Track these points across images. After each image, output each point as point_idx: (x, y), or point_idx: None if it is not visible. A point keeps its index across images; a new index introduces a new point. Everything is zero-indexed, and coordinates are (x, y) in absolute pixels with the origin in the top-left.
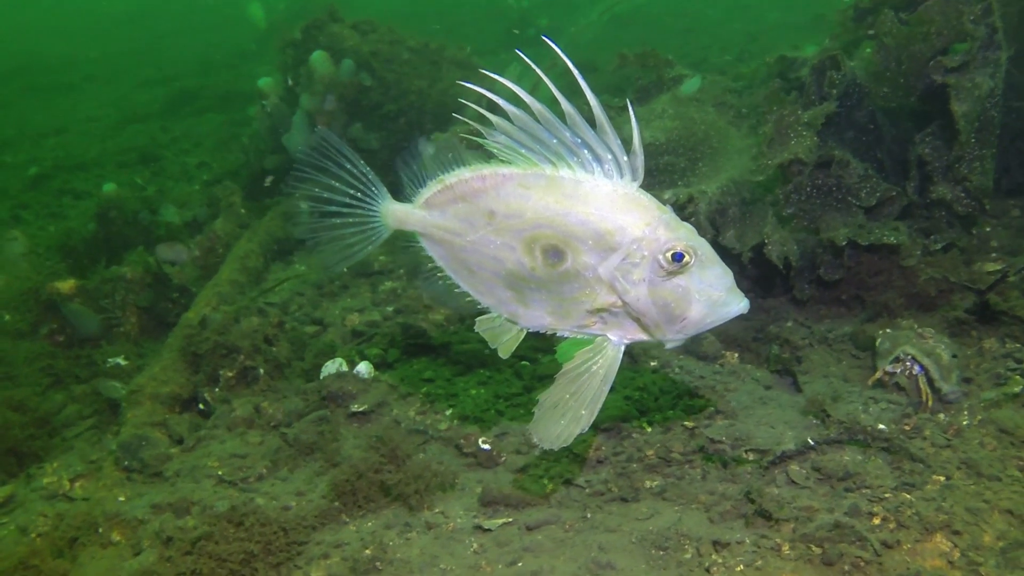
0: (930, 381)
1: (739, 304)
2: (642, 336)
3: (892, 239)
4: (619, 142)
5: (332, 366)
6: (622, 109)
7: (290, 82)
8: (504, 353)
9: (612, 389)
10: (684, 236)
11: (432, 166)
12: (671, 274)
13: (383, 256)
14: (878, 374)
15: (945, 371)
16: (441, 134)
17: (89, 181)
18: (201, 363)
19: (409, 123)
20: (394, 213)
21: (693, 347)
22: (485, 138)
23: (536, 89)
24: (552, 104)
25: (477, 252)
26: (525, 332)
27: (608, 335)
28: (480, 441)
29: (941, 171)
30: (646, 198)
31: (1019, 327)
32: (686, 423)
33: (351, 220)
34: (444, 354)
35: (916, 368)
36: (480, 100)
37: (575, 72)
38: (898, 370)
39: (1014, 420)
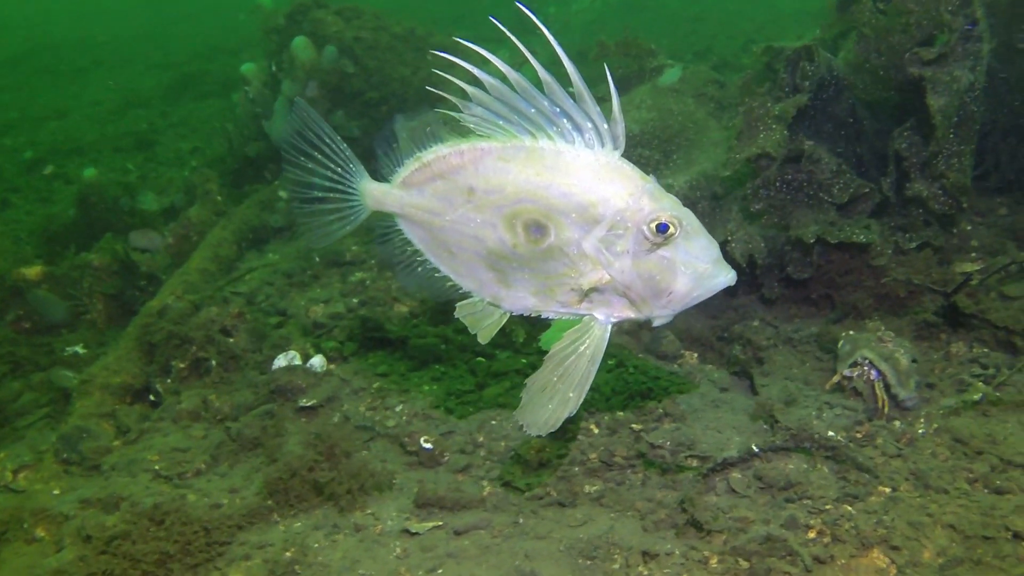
0: (887, 387)
1: (726, 276)
2: (629, 314)
3: (861, 237)
4: (599, 110)
5: (284, 359)
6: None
7: (273, 68)
8: (484, 338)
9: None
10: (668, 206)
11: (409, 144)
12: (656, 245)
13: (355, 246)
14: (836, 378)
15: (903, 377)
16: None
17: (83, 166)
18: (155, 353)
19: (391, 111)
20: (372, 193)
21: (653, 345)
22: (462, 112)
23: (522, 67)
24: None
25: (457, 232)
26: (507, 316)
27: (595, 314)
28: (422, 440)
29: (918, 167)
30: (629, 167)
31: (989, 331)
32: (634, 425)
33: (329, 198)
34: (401, 348)
35: (873, 373)
36: (457, 73)
37: (551, 41)
38: (855, 374)
39: (970, 429)
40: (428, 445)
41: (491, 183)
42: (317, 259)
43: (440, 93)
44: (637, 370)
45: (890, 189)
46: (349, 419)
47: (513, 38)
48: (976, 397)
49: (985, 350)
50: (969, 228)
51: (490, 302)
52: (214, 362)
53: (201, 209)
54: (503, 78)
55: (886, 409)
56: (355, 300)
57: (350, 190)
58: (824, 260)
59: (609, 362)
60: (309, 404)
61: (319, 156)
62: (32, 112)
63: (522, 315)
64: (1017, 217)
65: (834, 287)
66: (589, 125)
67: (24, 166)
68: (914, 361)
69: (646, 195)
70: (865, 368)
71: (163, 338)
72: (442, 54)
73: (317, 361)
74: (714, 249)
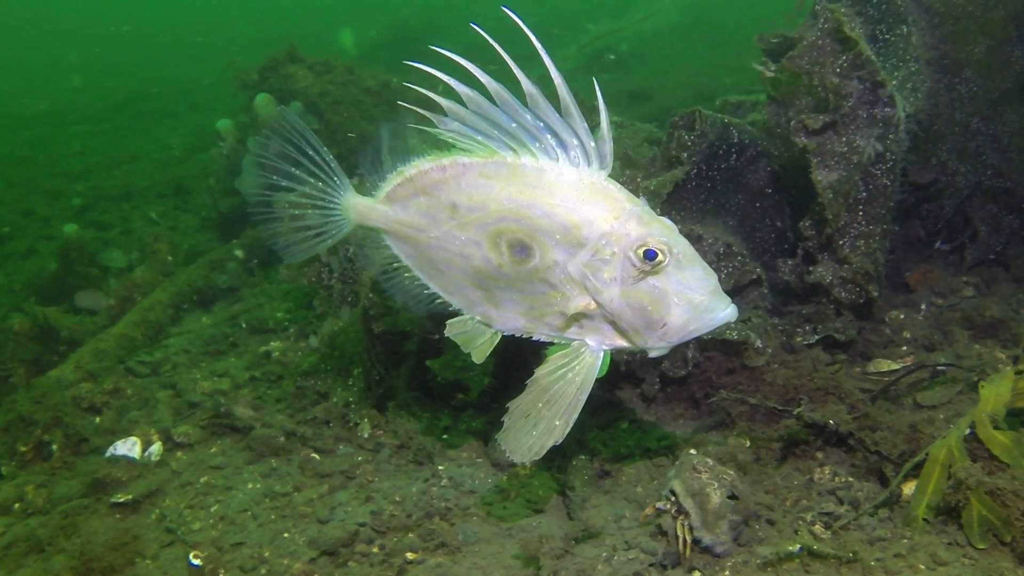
0: (692, 528)
1: (724, 310)
2: (622, 343)
3: (733, 334)
4: (586, 126)
5: (123, 446)
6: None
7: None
8: (478, 358)
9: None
10: (657, 232)
11: (392, 157)
12: (644, 273)
13: (280, 312)
14: (649, 510)
15: (710, 517)
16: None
17: (124, 212)
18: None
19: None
20: (356, 207)
21: (490, 451)
22: (436, 126)
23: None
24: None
25: (443, 249)
26: (500, 335)
27: (586, 340)
28: (191, 556)
29: (819, 249)
30: (615, 188)
31: (863, 454)
32: (409, 555)
33: (309, 212)
34: (246, 437)
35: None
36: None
37: (539, 48)
38: (667, 508)
39: None
40: (196, 562)
41: (473, 200)
42: (243, 325)
43: (413, 108)
44: (452, 482)
45: (791, 273)
46: (165, 517)
47: (496, 46)
48: (793, 549)
49: (850, 479)
50: (903, 317)
51: (480, 321)
52: (55, 447)
53: (148, 269)
54: (483, 90)
55: (688, 554)
56: (248, 375)
57: (333, 203)
58: (703, 356)
59: (440, 467)
60: (123, 500)
61: (304, 166)
62: (113, 156)
63: (514, 336)
64: (982, 300)
65: (713, 387)
66: (575, 142)
67: (71, 212)
68: (732, 498)
69: (633, 219)
70: (673, 501)
71: (13, 418)
72: (417, 64)
73: (154, 449)
74: (711, 280)
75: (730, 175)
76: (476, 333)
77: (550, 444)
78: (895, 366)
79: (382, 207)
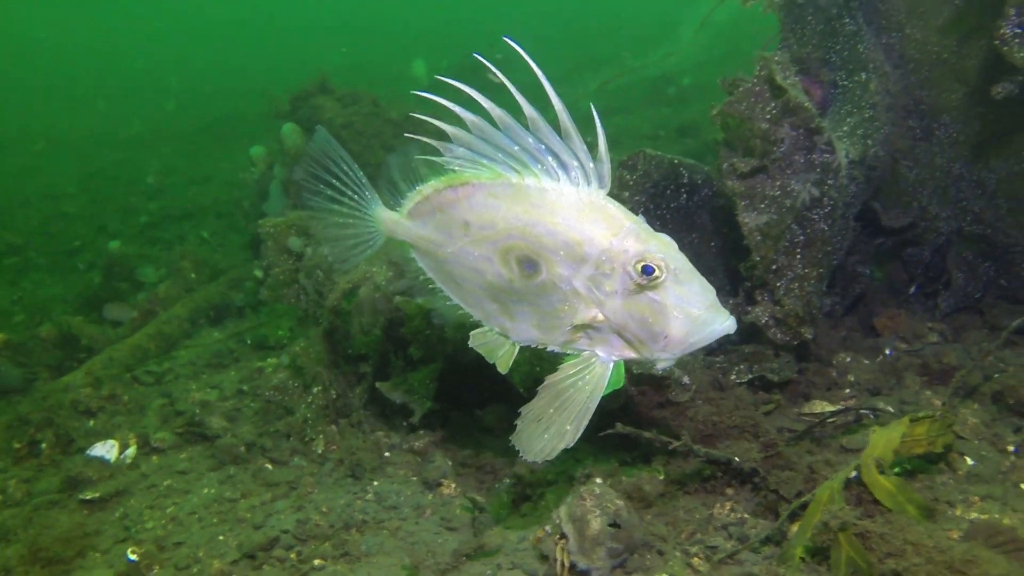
0: (570, 552)
1: (722, 323)
2: (630, 354)
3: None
4: (585, 148)
5: (101, 447)
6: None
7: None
8: (503, 368)
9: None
10: (655, 248)
11: (405, 182)
12: (642, 288)
13: (281, 331)
14: (539, 532)
15: (587, 543)
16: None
17: (183, 230)
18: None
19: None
20: (386, 221)
21: (423, 470)
22: (443, 154)
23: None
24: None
25: (459, 264)
26: (518, 346)
27: (596, 351)
28: (129, 551)
29: (757, 289)
30: (614, 206)
31: (766, 492)
32: (316, 562)
33: (350, 223)
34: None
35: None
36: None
37: (540, 76)
38: (552, 532)
39: None
40: (133, 558)
41: (484, 219)
42: (248, 341)
43: (420, 138)
44: (377, 497)
45: (732, 312)
46: (127, 515)
47: (496, 71)
48: None
49: (745, 516)
50: (848, 360)
51: (499, 332)
52: (44, 445)
53: (171, 285)
54: (486, 115)
55: None
56: (235, 387)
57: (367, 216)
58: (637, 391)
59: (375, 483)
60: (90, 497)
61: (336, 183)
62: (191, 176)
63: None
64: (943, 347)
65: (643, 424)
66: (575, 163)
67: (137, 229)
68: (614, 526)
69: (631, 236)
70: (555, 527)
71: (13, 417)
72: (423, 94)
73: (129, 452)
74: (708, 295)
75: (682, 215)
76: (497, 344)
77: (561, 447)
78: (831, 408)
79: (406, 222)
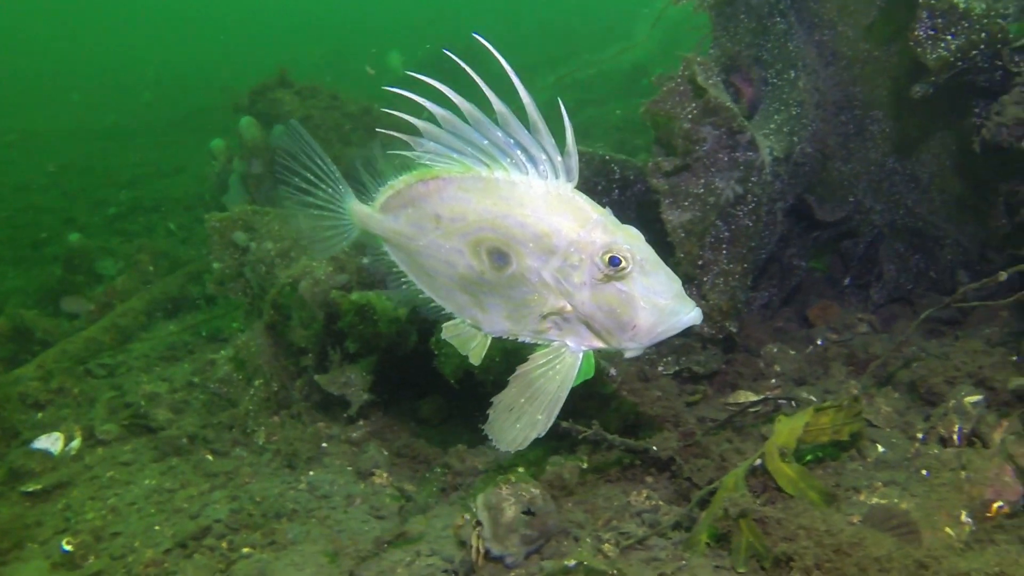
0: (485, 539)
1: (688, 313)
2: (598, 344)
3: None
4: (553, 142)
5: (47, 440)
6: None
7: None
8: (475, 360)
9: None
10: (621, 239)
11: (384, 171)
12: (609, 278)
13: (236, 323)
14: (460, 520)
15: (501, 530)
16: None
17: (151, 222)
18: None
19: None
20: (358, 214)
21: (354, 456)
22: (412, 149)
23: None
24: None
25: (431, 256)
26: (490, 338)
27: (566, 341)
28: (64, 542)
29: (685, 284)
30: (582, 199)
31: (682, 481)
32: (245, 550)
33: (325, 215)
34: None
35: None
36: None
37: (508, 71)
38: (469, 519)
39: None
40: (67, 548)
41: (454, 212)
42: (203, 333)
43: (390, 133)
44: (305, 489)
45: None
46: (70, 507)
47: (467, 68)
48: (569, 564)
49: (660, 503)
50: (775, 351)
51: (471, 324)
52: None
53: (128, 278)
54: (456, 110)
55: (480, 563)
56: (184, 380)
57: (340, 210)
58: None
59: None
60: (32, 490)
61: (311, 176)
62: (163, 167)
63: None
64: (870, 337)
65: (576, 416)
66: (543, 156)
67: (105, 221)
68: (528, 513)
69: (598, 227)
70: (472, 514)
71: None
72: (393, 89)
73: (74, 444)
74: (674, 285)
75: (615, 210)
76: (469, 336)
77: (533, 436)
78: (754, 397)
79: (378, 215)
